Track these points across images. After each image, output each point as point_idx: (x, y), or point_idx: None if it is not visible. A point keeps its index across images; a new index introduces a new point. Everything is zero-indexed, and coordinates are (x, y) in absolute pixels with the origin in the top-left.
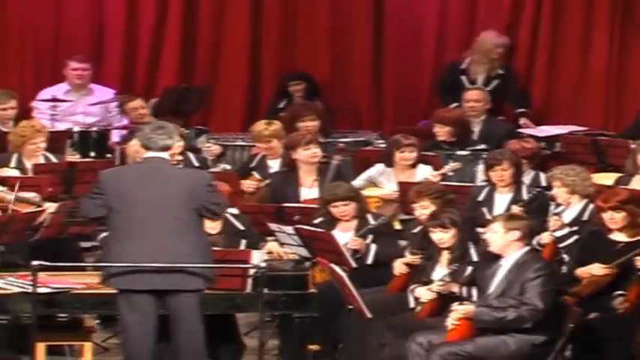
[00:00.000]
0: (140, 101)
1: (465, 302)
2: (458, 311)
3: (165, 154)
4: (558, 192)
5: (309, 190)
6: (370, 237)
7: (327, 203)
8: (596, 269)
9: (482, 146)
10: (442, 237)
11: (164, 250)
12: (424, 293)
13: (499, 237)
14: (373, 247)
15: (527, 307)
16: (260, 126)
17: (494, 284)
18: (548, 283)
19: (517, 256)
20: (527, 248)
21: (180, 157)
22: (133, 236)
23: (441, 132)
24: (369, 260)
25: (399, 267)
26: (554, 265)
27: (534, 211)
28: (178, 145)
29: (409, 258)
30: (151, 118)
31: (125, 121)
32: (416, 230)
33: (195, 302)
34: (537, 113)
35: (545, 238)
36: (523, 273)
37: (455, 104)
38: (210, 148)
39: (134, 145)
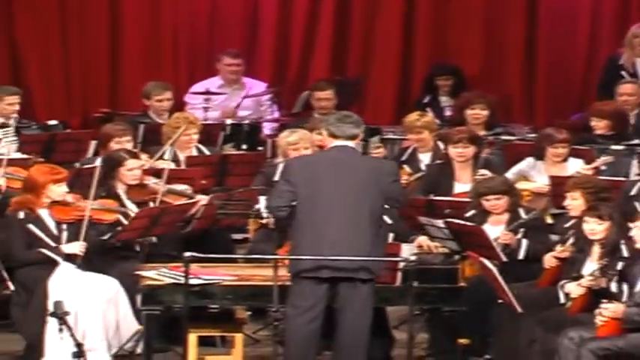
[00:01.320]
0: (331, 92)
1: (613, 300)
2: (607, 310)
3: (351, 143)
4: None
5: (462, 185)
6: (521, 231)
7: (480, 196)
8: None
9: (637, 141)
10: (595, 228)
11: (344, 239)
12: (574, 289)
13: None
14: (524, 242)
15: None
16: (412, 117)
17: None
18: None
19: None
20: None
21: None
22: (315, 223)
23: (599, 125)
24: (521, 255)
25: (549, 260)
26: None
27: None
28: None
29: (559, 251)
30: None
31: (277, 114)
32: (568, 224)
33: (366, 293)
34: None
35: None
36: None
37: None
38: (379, 150)
39: (285, 136)
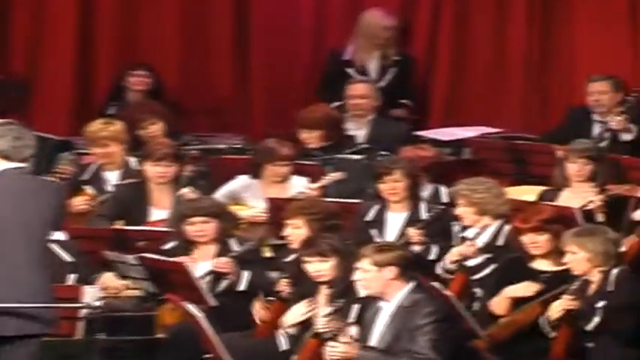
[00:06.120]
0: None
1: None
2: (336, 348)
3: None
4: (463, 212)
5: (161, 212)
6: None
7: (183, 219)
8: (522, 289)
9: (365, 145)
10: (320, 268)
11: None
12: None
13: (373, 278)
14: (246, 274)
15: (419, 357)
16: (96, 125)
17: (376, 333)
18: (440, 329)
19: (400, 297)
20: (410, 285)
21: None
22: None
23: (310, 137)
24: (243, 286)
25: (258, 312)
26: (464, 301)
27: (436, 235)
28: None
29: (270, 300)
30: None
31: None
32: (289, 259)
33: (28, 353)
34: (441, 111)
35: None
36: (412, 319)
37: (338, 103)
38: (69, 168)
39: None
